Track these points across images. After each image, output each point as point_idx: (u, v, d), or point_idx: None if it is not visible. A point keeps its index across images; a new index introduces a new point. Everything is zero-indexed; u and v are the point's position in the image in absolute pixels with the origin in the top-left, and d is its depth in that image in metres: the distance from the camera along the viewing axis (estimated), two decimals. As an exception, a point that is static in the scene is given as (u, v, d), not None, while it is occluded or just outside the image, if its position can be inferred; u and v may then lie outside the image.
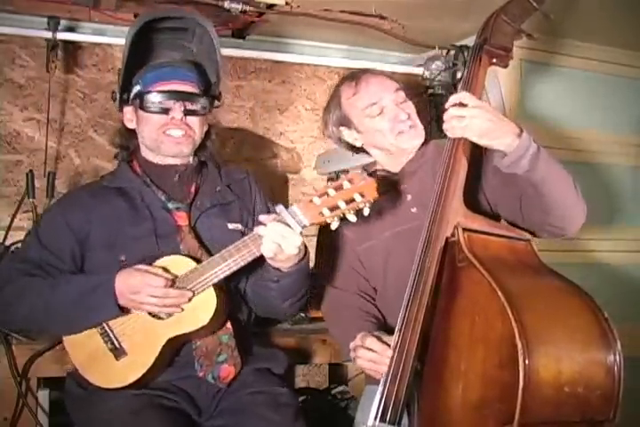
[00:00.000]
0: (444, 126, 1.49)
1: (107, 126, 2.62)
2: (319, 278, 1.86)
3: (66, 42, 2.52)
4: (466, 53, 2.83)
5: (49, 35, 2.42)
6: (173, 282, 1.58)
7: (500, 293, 1.25)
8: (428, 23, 2.63)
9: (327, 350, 2.13)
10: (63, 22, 2.47)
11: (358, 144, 1.82)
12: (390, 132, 1.72)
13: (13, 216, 2.26)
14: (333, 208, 1.46)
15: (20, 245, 2.12)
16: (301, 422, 1.59)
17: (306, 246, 1.60)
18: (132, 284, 1.55)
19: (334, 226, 1.50)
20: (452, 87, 2.87)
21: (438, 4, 2.46)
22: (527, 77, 2.73)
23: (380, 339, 1.52)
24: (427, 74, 2.88)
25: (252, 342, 1.78)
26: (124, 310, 1.59)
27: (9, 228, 2.23)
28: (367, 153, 1.85)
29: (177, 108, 1.73)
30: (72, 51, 2.58)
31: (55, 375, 1.83)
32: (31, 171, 2.27)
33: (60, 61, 2.55)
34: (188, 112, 1.74)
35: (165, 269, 1.59)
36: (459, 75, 2.86)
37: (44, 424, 1.90)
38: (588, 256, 2.81)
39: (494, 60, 1.56)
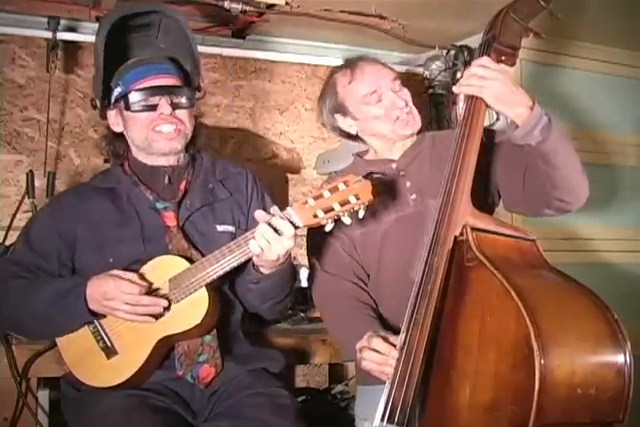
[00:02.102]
0: (462, 82, 1.49)
1: (107, 126, 2.61)
2: (311, 266, 1.84)
3: (66, 42, 2.53)
4: (466, 53, 2.83)
5: (49, 35, 2.43)
6: (149, 289, 1.56)
7: (513, 293, 1.23)
8: (428, 23, 2.63)
9: (327, 350, 2.12)
10: (63, 22, 2.48)
11: (353, 131, 1.82)
12: (388, 119, 1.74)
13: (13, 216, 2.25)
14: (328, 210, 1.45)
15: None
16: (301, 425, 1.58)
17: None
18: (105, 290, 1.53)
19: (328, 228, 1.49)
20: (452, 87, 2.87)
21: (438, 4, 2.46)
22: (527, 77, 2.73)
23: (386, 340, 1.50)
24: (427, 74, 2.88)
25: (245, 343, 1.76)
26: (97, 315, 1.58)
27: (9, 228, 2.23)
28: (362, 140, 1.86)
29: (164, 104, 1.69)
30: (72, 51, 2.58)
31: (55, 375, 1.83)
32: (31, 171, 2.27)
33: (60, 61, 2.55)
34: (175, 106, 1.70)
35: (157, 271, 1.59)
36: (459, 75, 2.86)
37: (43, 424, 1.90)
38: (590, 256, 2.81)
39: (503, 59, 1.53)
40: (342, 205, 1.44)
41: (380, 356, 1.48)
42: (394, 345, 1.47)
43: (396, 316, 1.59)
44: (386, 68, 1.80)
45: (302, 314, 2.34)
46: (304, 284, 2.37)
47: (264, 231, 1.49)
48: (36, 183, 2.26)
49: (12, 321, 1.69)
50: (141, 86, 1.69)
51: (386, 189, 1.71)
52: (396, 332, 1.52)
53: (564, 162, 1.50)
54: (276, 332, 2.06)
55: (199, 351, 1.62)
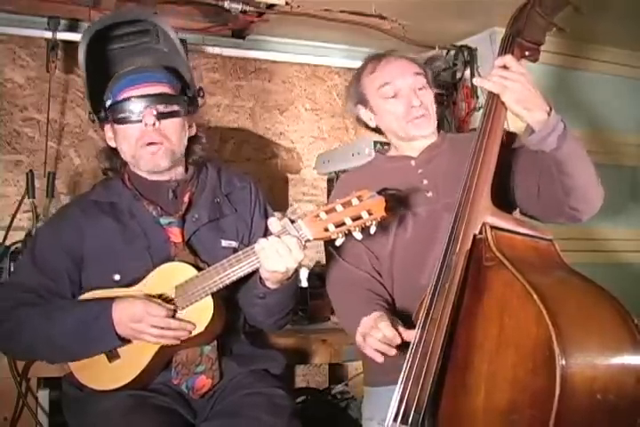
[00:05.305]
0: (487, 77, 1.46)
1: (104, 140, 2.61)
2: (329, 254, 1.81)
3: (66, 42, 2.52)
4: (466, 53, 2.83)
5: (49, 35, 2.43)
6: (174, 313, 1.55)
7: (535, 296, 1.21)
8: (428, 23, 2.63)
9: (327, 350, 2.12)
10: (63, 22, 2.48)
11: (372, 124, 1.82)
12: (402, 117, 1.72)
13: (13, 216, 2.26)
14: (339, 224, 1.44)
15: (19, 245, 2.13)
16: (296, 425, 1.57)
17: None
18: (133, 312, 1.51)
19: (339, 242, 1.48)
20: (452, 87, 2.87)
21: (438, 4, 2.46)
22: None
23: (393, 324, 1.48)
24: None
25: (246, 343, 1.75)
26: (123, 340, 1.56)
27: (9, 228, 2.24)
28: (383, 134, 1.85)
29: (147, 114, 1.61)
30: (72, 51, 2.57)
31: (55, 375, 1.82)
32: (31, 171, 2.27)
33: (60, 61, 2.55)
34: (161, 116, 1.62)
35: (164, 277, 1.58)
36: (459, 75, 2.86)
37: (43, 424, 1.90)
38: (599, 256, 2.81)
39: (526, 54, 1.51)
40: (354, 220, 1.43)
41: (384, 340, 1.45)
42: (399, 333, 1.45)
43: (403, 313, 1.59)
44: (411, 63, 1.77)
45: (302, 314, 2.34)
46: (304, 284, 2.38)
47: (276, 244, 1.47)
48: (36, 183, 2.26)
49: (29, 351, 1.64)
50: (126, 96, 1.62)
51: (399, 206, 1.69)
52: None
53: (577, 170, 1.48)
54: (276, 332, 2.06)
55: (197, 362, 1.60)
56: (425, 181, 1.72)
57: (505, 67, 1.44)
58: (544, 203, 1.58)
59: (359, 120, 1.85)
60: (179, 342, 1.55)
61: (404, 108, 1.72)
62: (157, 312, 1.51)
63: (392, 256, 1.72)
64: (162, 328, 1.52)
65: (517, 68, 1.43)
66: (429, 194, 1.70)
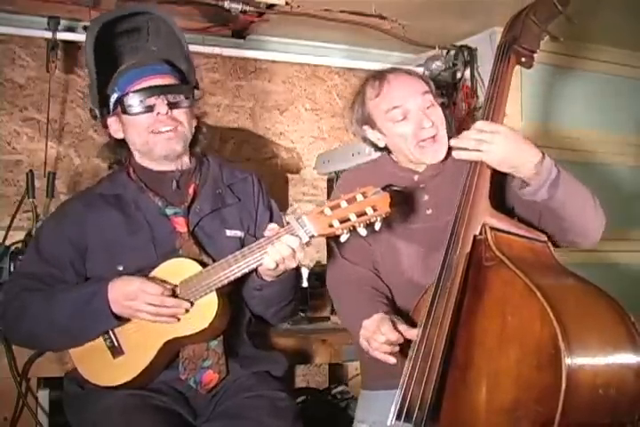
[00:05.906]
0: (463, 142, 1.44)
1: (108, 134, 2.61)
2: (330, 251, 1.80)
3: (66, 42, 2.53)
4: (466, 53, 2.84)
5: (49, 35, 2.44)
6: (173, 291, 1.56)
7: (539, 293, 1.23)
8: (428, 23, 2.64)
9: (327, 350, 2.13)
10: (63, 22, 2.48)
11: (381, 145, 1.77)
12: (412, 139, 1.66)
13: (13, 216, 2.25)
14: (344, 220, 1.44)
15: (19, 245, 2.13)
16: None
17: None
18: (128, 290, 1.53)
19: (344, 238, 1.48)
20: (452, 87, 2.88)
21: (438, 4, 2.46)
22: (526, 78, 2.73)
23: (395, 325, 1.48)
24: (427, 74, 2.88)
25: (249, 345, 1.76)
26: (120, 319, 1.57)
27: (9, 228, 2.23)
28: (391, 152, 1.80)
29: (160, 104, 1.66)
30: (72, 51, 2.59)
31: (55, 375, 1.83)
32: (31, 171, 2.26)
33: (60, 61, 2.56)
34: (172, 105, 1.67)
35: (169, 274, 1.58)
36: (459, 75, 2.86)
37: (43, 424, 1.90)
38: (593, 256, 2.81)
39: (522, 60, 1.53)
40: (359, 216, 1.44)
41: (387, 342, 1.46)
42: (401, 333, 1.46)
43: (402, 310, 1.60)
44: (416, 81, 1.70)
45: (302, 314, 2.35)
46: (304, 284, 2.38)
47: (282, 249, 1.49)
48: (36, 183, 2.25)
49: (31, 336, 1.65)
50: (137, 88, 1.67)
51: (402, 201, 1.68)
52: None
53: (573, 212, 1.47)
54: (276, 332, 2.06)
55: (204, 357, 1.61)
56: (426, 197, 1.70)
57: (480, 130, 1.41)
58: (545, 232, 1.55)
59: (366, 140, 1.79)
60: (175, 321, 1.55)
61: (414, 130, 1.65)
62: (153, 290, 1.52)
63: (385, 271, 1.72)
64: (157, 306, 1.52)
65: (491, 128, 1.41)
66: (429, 211, 1.68)
